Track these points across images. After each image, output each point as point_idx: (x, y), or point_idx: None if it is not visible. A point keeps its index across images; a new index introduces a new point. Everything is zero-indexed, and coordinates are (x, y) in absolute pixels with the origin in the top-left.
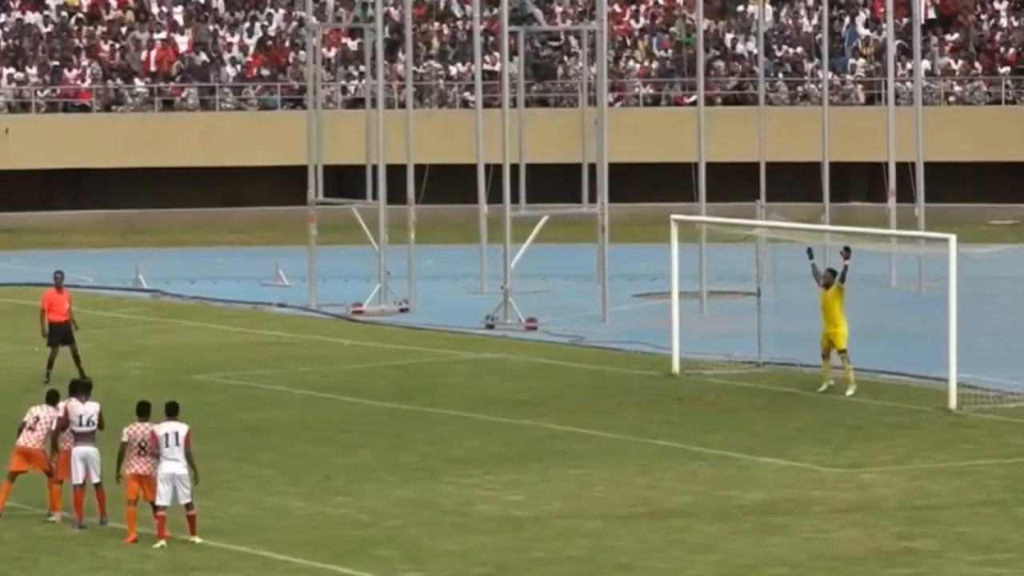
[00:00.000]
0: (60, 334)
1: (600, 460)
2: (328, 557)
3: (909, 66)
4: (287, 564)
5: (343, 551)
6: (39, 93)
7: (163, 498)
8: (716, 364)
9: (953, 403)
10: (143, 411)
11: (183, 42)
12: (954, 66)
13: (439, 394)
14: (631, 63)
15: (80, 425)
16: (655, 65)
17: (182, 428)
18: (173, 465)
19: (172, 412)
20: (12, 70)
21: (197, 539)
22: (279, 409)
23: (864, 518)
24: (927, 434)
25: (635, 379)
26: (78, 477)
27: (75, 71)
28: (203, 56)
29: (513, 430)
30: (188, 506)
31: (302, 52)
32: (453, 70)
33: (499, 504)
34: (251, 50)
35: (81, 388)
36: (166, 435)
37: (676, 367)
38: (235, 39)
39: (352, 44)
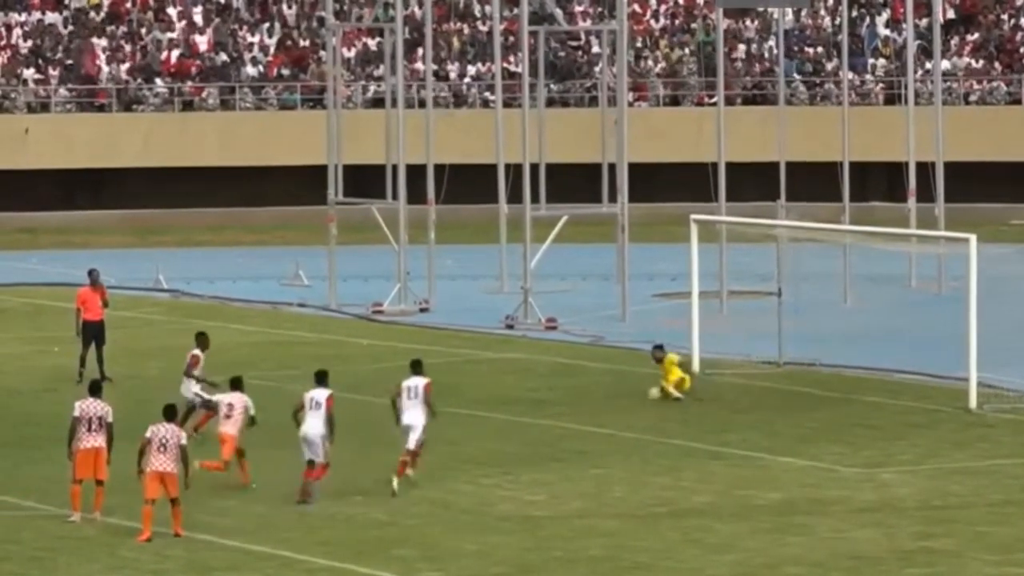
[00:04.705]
0: (93, 332)
1: (619, 460)
2: (347, 557)
3: (928, 66)
4: (305, 564)
5: (362, 551)
6: (59, 93)
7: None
8: (736, 364)
9: (973, 403)
10: (169, 414)
11: (203, 42)
12: (975, 66)
13: (458, 394)
14: (651, 63)
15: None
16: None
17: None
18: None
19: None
20: (32, 70)
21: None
22: None
23: (883, 518)
24: (946, 434)
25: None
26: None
27: (95, 71)
28: (223, 56)
29: (532, 430)
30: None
31: (322, 52)
32: (472, 70)
33: (518, 503)
34: (271, 50)
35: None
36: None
37: (696, 367)
38: (255, 39)
39: (372, 43)
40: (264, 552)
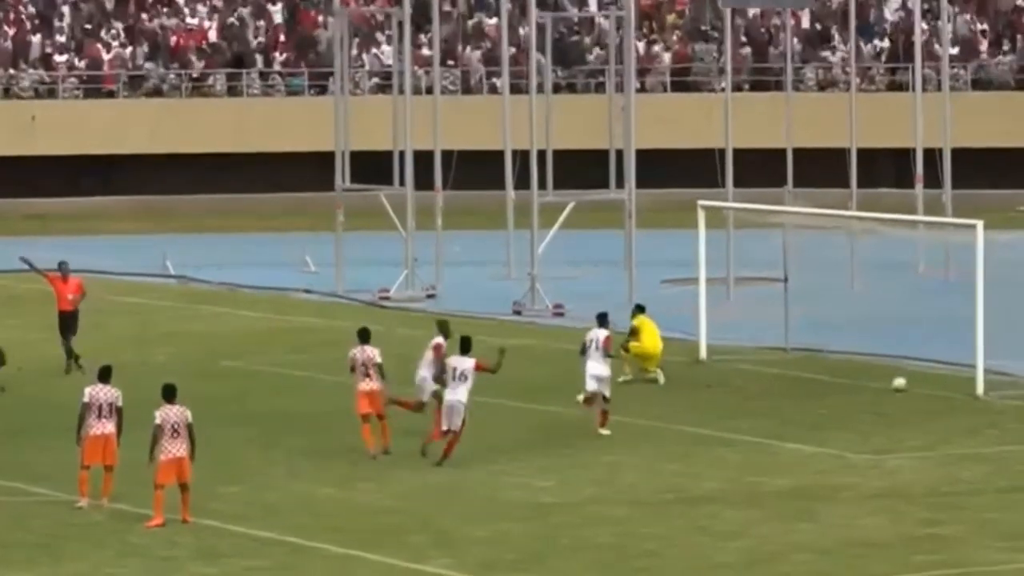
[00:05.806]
0: (63, 323)
1: (629, 446)
2: (357, 543)
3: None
4: (316, 550)
5: (372, 537)
6: (67, 80)
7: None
8: (744, 350)
9: (980, 390)
10: (168, 394)
11: (212, 27)
12: (982, 49)
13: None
14: (657, 48)
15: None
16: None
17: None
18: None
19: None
20: (39, 54)
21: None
22: (307, 395)
23: (891, 504)
24: (954, 421)
25: (663, 365)
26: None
27: (103, 56)
28: (231, 41)
29: (541, 416)
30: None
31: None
32: (479, 54)
33: (528, 491)
34: (279, 35)
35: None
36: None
37: (704, 353)
38: (262, 23)
39: (380, 19)
40: (273, 539)
